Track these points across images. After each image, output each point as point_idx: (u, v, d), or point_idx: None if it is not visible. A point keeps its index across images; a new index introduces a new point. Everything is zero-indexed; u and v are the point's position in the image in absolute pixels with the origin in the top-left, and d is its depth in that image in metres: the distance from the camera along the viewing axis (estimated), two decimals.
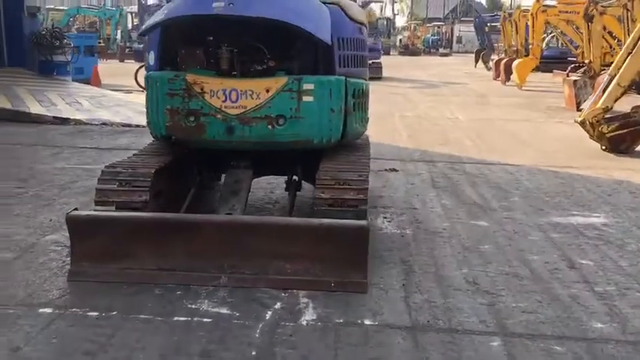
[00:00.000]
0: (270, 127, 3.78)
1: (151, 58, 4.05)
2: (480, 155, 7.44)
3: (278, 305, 3.14)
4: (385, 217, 4.71)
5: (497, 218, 4.78)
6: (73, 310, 3.04)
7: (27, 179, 5.68)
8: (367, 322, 2.98)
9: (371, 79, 17.99)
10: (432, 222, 4.63)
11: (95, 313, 3.00)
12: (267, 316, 3.01)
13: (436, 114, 11.55)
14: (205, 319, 2.97)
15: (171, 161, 4.10)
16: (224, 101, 3.75)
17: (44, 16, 15.14)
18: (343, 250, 3.36)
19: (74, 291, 3.28)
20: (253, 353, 2.66)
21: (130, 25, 34.68)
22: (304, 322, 2.96)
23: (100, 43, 27.46)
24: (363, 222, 3.35)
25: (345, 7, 4.12)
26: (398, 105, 13.00)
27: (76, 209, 3.51)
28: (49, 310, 3.02)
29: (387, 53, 50.97)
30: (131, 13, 35.89)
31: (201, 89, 3.76)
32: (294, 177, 4.28)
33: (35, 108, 9.63)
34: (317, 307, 3.13)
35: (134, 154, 4.21)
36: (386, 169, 6.44)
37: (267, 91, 3.75)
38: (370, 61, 22.57)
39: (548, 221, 4.71)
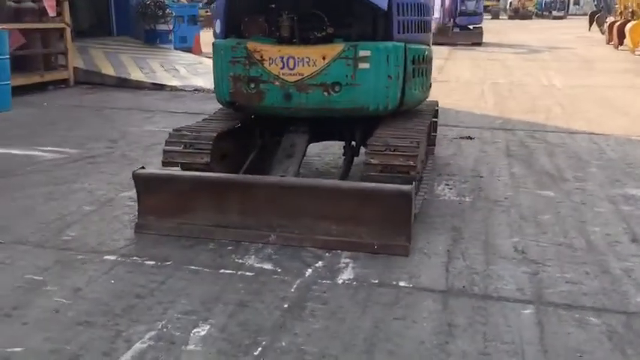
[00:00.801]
0: (325, 94, 3.87)
1: (217, 26, 4.23)
2: (567, 124, 7.12)
3: (319, 264, 3.27)
4: (447, 185, 4.69)
5: (567, 189, 4.62)
6: (134, 258, 3.33)
7: (117, 140, 6.13)
8: (402, 283, 3.05)
9: (472, 44, 17.51)
10: (494, 191, 4.56)
11: (152, 262, 3.28)
12: (307, 274, 3.15)
13: (531, 80, 11.08)
14: (248, 273, 3.15)
15: (236, 126, 4.31)
16: (282, 68, 3.87)
17: None
18: (387, 213, 3.42)
19: (138, 242, 3.57)
20: (285, 306, 2.81)
21: None
22: (340, 281, 3.07)
23: (206, 12, 28.40)
24: (406, 186, 3.38)
25: None
26: (492, 71, 12.57)
27: (142, 167, 3.80)
28: (112, 258, 3.33)
29: (496, 17, 48.94)
30: None
31: (261, 57, 3.90)
32: (353, 142, 4.36)
33: (136, 74, 10.24)
34: (356, 267, 3.23)
35: (203, 119, 4.44)
36: (461, 137, 6.35)
37: (324, 58, 3.83)
38: (471, 26, 21.86)
39: (622, 193, 4.50)
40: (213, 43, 4.23)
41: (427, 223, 3.87)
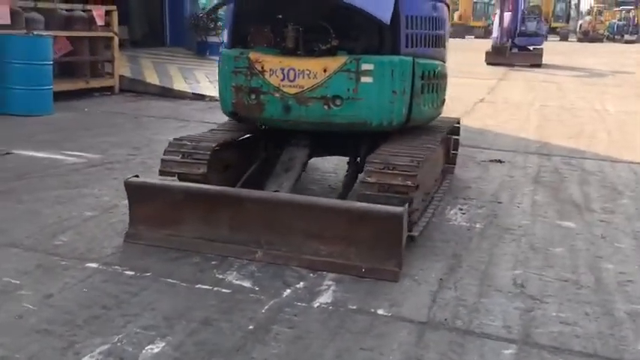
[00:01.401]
0: (326, 107, 3.75)
1: (225, 35, 4.19)
2: (609, 151, 6.72)
3: (300, 285, 3.13)
4: (461, 209, 4.46)
5: (590, 220, 4.32)
6: (115, 267, 3.27)
7: (141, 148, 6.18)
8: (381, 311, 2.87)
9: (530, 66, 17.12)
10: (510, 218, 4.30)
11: (131, 273, 3.21)
12: (285, 294, 3.02)
13: (584, 104, 10.61)
14: (225, 290, 3.04)
15: (240, 137, 4.24)
16: (282, 80, 3.78)
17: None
18: (377, 235, 3.25)
19: (125, 251, 3.52)
20: (250, 327, 2.68)
21: None
22: (317, 304, 2.92)
23: None
24: (398, 208, 3.21)
25: None
26: (545, 94, 12.13)
27: (136, 176, 3.76)
28: (94, 265, 3.28)
29: (564, 39, 47.62)
30: None
31: (262, 67, 3.82)
32: (358, 158, 4.21)
33: (179, 85, 10.39)
34: (338, 290, 3.07)
35: (210, 129, 4.39)
36: (490, 160, 6.08)
37: (325, 70, 3.71)
38: (531, 47, 21.31)
39: None
40: (221, 53, 4.19)
41: (427, 247, 3.67)
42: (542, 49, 20.22)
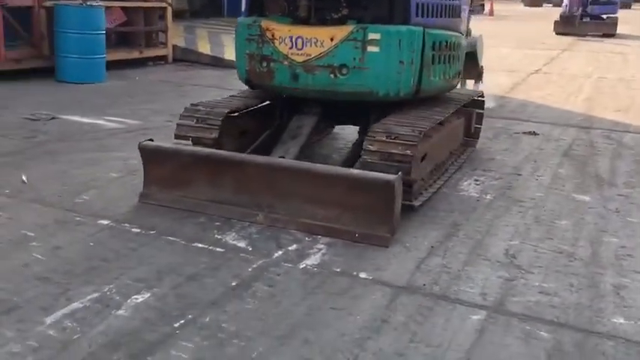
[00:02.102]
0: (332, 76, 3.80)
1: (244, 4, 4.28)
2: None
3: (293, 247, 3.24)
4: (476, 180, 4.44)
5: (609, 195, 4.21)
6: (124, 224, 3.49)
7: (178, 115, 6.40)
8: (362, 275, 2.95)
9: (603, 36, 16.49)
10: (524, 190, 4.25)
11: (138, 230, 3.41)
12: (275, 256, 3.14)
13: None
14: (219, 249, 3.20)
15: (256, 104, 4.35)
16: (290, 48, 3.85)
17: None
18: (371, 202, 3.32)
19: (138, 210, 3.73)
20: (233, 284, 2.82)
21: None
22: (302, 266, 3.03)
23: None
24: (391, 176, 3.25)
25: None
26: (607, 65, 11.63)
27: (151, 139, 3.95)
28: (105, 222, 3.51)
29: (627, 7, 44.65)
30: None
31: (272, 35, 3.90)
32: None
33: (230, 54, 10.57)
34: (327, 254, 3.17)
35: (229, 95, 4.53)
36: (524, 132, 5.96)
37: (332, 39, 3.76)
38: (604, 16, 20.37)
39: None
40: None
41: (428, 216, 3.70)
42: (616, 17, 19.21)
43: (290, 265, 3.04)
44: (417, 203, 3.72)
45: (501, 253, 3.22)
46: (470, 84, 6.60)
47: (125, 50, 9.56)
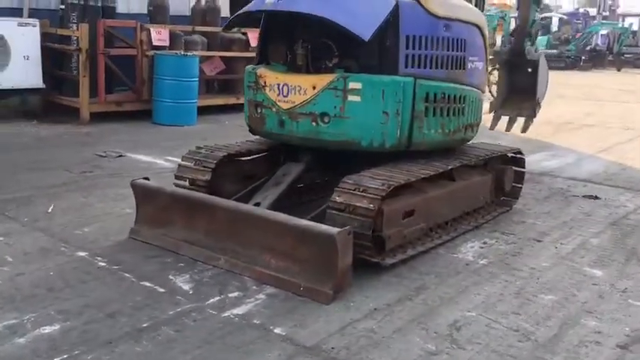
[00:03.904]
0: (314, 124, 3.74)
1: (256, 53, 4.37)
2: None
3: (234, 294, 3.18)
4: (485, 243, 4.07)
5: (630, 272, 3.68)
6: (97, 258, 3.62)
7: None
8: (277, 330, 2.81)
9: None
10: (530, 259, 3.83)
11: (103, 264, 3.54)
12: (208, 302, 3.09)
13: None
14: (160, 289, 3.21)
15: (262, 150, 4.38)
16: (278, 95, 3.85)
17: None
18: (317, 255, 3.18)
19: (120, 244, 3.86)
20: (143, 325, 2.81)
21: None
22: (225, 314, 2.95)
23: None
24: (333, 230, 3.09)
25: (425, 2, 3.73)
26: None
27: (146, 178, 4.10)
28: (81, 254, 3.68)
29: None
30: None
31: (264, 82, 3.94)
32: None
33: None
34: (260, 305, 3.07)
35: (246, 140, 4.60)
36: (584, 196, 5.39)
37: (314, 87, 3.71)
38: None
39: None
40: None
41: (400, 277, 3.46)
42: None
43: (214, 312, 2.98)
44: (388, 262, 3.50)
45: (446, 325, 2.91)
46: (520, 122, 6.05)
47: (222, 96, 10.11)
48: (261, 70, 4.00)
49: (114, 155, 6.52)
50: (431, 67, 3.80)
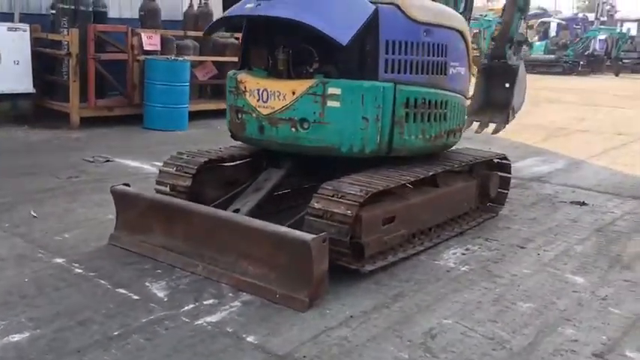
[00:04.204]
0: (293, 129, 3.71)
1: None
2: None
3: (209, 302, 3.15)
4: (468, 249, 4.04)
5: (612, 279, 3.65)
6: (74, 264, 3.59)
7: None
8: (249, 339, 2.78)
9: None
10: (512, 265, 3.80)
11: (80, 271, 3.51)
12: (183, 309, 3.05)
13: None
14: (135, 297, 3.18)
15: (245, 155, 4.35)
16: (258, 100, 3.83)
17: None
18: (293, 262, 3.15)
19: (99, 251, 3.83)
20: (114, 333, 2.78)
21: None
22: (198, 322, 2.91)
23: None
24: (308, 237, 3.06)
25: (406, 8, 3.70)
26: None
27: (126, 184, 4.07)
28: (59, 261, 3.64)
29: None
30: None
31: (245, 88, 3.91)
32: None
33: None
34: (234, 312, 3.04)
35: (230, 146, 4.56)
36: (572, 202, 5.36)
37: (293, 93, 3.68)
38: None
39: None
40: None
41: (379, 284, 3.43)
42: None
43: (187, 320, 2.95)
44: (368, 268, 3.47)
45: (421, 333, 2.87)
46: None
47: (215, 101, 10.08)
48: (242, 76, 3.98)
49: (102, 160, 6.49)
50: (411, 73, 3.78)
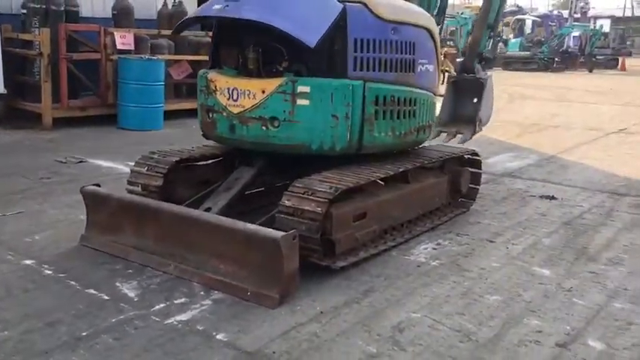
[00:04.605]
0: (264, 128, 3.72)
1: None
2: None
3: (180, 301, 3.15)
4: (439, 244, 4.10)
5: (577, 270, 3.71)
6: (43, 266, 3.56)
7: None
8: (219, 336, 2.79)
9: None
10: (481, 259, 3.86)
11: (49, 272, 3.49)
12: (153, 309, 3.05)
13: None
14: (104, 297, 3.17)
15: (217, 154, 4.36)
16: (228, 99, 3.84)
17: None
18: (263, 260, 3.17)
19: (70, 252, 3.80)
20: (83, 333, 2.78)
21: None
22: (168, 321, 2.92)
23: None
24: (278, 234, 3.08)
25: (373, 6, 3.74)
26: None
27: (97, 185, 4.06)
28: (28, 262, 3.62)
29: None
30: None
31: (215, 87, 3.92)
32: None
33: None
34: (205, 311, 3.05)
35: (202, 145, 4.56)
36: (542, 196, 5.44)
37: (263, 91, 3.70)
38: None
39: None
40: None
41: (350, 280, 3.46)
42: None
43: (157, 319, 2.95)
44: (340, 264, 3.50)
45: (390, 327, 2.91)
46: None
47: (190, 100, 10.02)
48: (212, 75, 3.98)
49: (74, 161, 6.44)
50: (380, 70, 3.81)
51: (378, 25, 3.79)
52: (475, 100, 5.68)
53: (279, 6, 3.61)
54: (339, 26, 3.65)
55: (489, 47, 6.10)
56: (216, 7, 3.70)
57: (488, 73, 5.96)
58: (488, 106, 5.82)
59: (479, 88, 5.68)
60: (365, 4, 3.74)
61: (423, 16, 4.20)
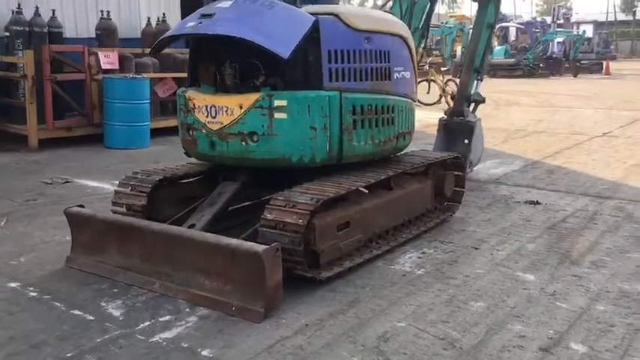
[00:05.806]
0: (243, 143, 3.75)
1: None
2: None
3: (165, 318, 3.15)
4: (423, 253, 4.12)
5: (560, 274, 3.74)
6: (29, 288, 3.56)
7: None
8: (204, 352, 2.80)
9: None
10: (465, 266, 3.88)
11: (34, 294, 3.48)
12: (138, 327, 3.05)
13: None
14: (89, 317, 3.17)
15: (200, 171, 4.37)
16: (207, 117, 3.86)
17: None
18: (247, 274, 3.18)
19: (56, 274, 3.80)
20: (67, 355, 2.78)
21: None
22: (154, 339, 2.92)
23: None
24: (260, 248, 3.10)
25: (345, 17, 3.79)
26: None
27: (81, 206, 4.06)
28: (13, 285, 3.61)
29: None
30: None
31: (193, 105, 3.94)
32: None
33: None
34: (191, 328, 3.05)
35: (186, 163, 4.58)
36: (525, 201, 5.49)
37: (241, 107, 3.73)
38: None
39: (627, 289, 3.49)
40: None
41: (335, 291, 3.48)
42: None
43: (142, 337, 2.95)
44: (325, 275, 3.52)
45: (375, 337, 2.92)
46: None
47: (175, 117, 10.01)
48: (190, 93, 4.00)
49: (60, 182, 6.44)
50: (355, 80, 3.86)
51: (350, 36, 3.84)
52: (466, 141, 6.07)
53: (252, 21, 3.65)
54: (313, 38, 3.69)
55: (477, 89, 6.42)
56: (190, 24, 3.73)
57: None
58: (479, 149, 6.32)
59: (469, 130, 6.11)
60: (337, 16, 3.79)
61: (396, 24, 4.25)
